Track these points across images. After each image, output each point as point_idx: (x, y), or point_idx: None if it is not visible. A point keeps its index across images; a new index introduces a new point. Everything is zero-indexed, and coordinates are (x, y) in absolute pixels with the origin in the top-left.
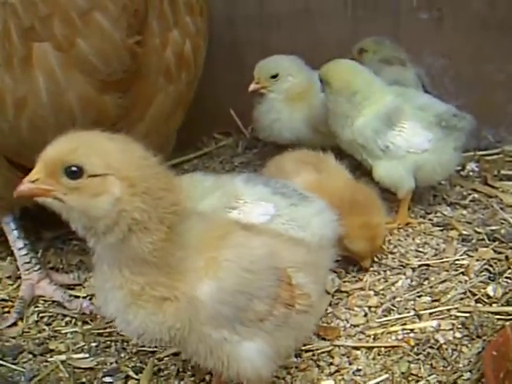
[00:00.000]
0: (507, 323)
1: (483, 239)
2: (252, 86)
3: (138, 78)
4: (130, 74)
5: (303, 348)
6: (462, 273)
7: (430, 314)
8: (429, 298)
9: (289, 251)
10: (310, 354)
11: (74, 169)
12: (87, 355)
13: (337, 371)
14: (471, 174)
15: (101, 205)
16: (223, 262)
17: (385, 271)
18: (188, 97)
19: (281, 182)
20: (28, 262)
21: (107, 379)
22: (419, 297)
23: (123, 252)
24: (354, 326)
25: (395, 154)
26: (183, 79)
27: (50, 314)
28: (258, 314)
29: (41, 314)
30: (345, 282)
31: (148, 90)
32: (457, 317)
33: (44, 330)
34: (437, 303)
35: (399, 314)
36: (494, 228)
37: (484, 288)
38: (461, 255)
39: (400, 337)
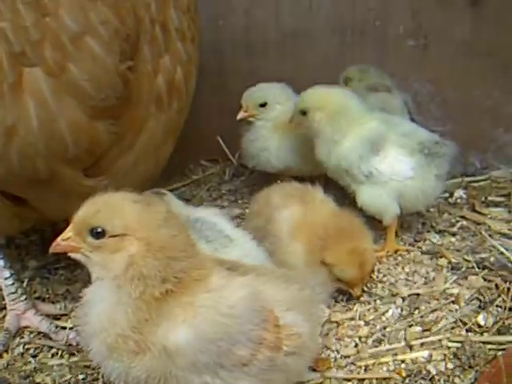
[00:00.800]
0: (499, 353)
1: (473, 267)
2: (240, 115)
3: (129, 105)
4: (122, 100)
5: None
6: (453, 302)
7: (421, 344)
8: (419, 328)
9: (278, 289)
10: None
11: (97, 230)
12: None
13: None
14: (459, 201)
15: (118, 259)
16: (200, 309)
17: (375, 300)
18: (179, 125)
19: (208, 223)
20: (14, 293)
21: None
22: (410, 326)
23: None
24: (345, 356)
25: (378, 179)
26: (174, 107)
27: (36, 346)
28: (241, 359)
29: (26, 346)
30: (334, 311)
31: (139, 117)
32: (448, 347)
33: (30, 362)
34: (428, 333)
35: (390, 344)
36: (483, 256)
37: (475, 317)
38: (451, 284)
39: (391, 368)
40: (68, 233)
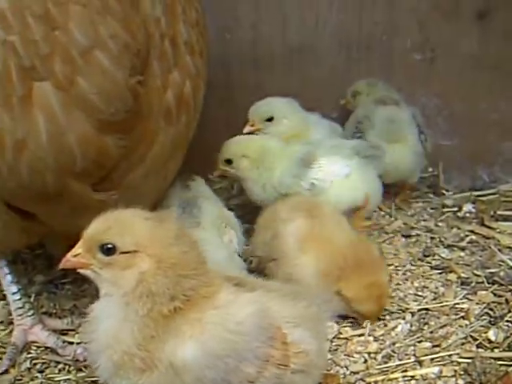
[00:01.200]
0: (510, 369)
1: (482, 282)
2: (246, 129)
3: (139, 119)
4: (132, 114)
5: None
6: (463, 317)
7: (431, 359)
8: (429, 344)
9: (285, 306)
10: None
11: (108, 246)
12: None
13: None
14: (468, 215)
15: (128, 276)
16: (207, 325)
17: (384, 316)
18: (187, 138)
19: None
20: (21, 308)
21: None
22: (419, 342)
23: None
24: (354, 373)
25: (322, 187)
26: (183, 121)
27: (43, 361)
28: (248, 376)
29: (34, 361)
30: (344, 327)
31: (149, 131)
32: (459, 363)
33: (37, 377)
34: (437, 349)
35: (399, 360)
36: (492, 271)
37: (485, 332)
38: (460, 299)
39: None
40: (78, 249)
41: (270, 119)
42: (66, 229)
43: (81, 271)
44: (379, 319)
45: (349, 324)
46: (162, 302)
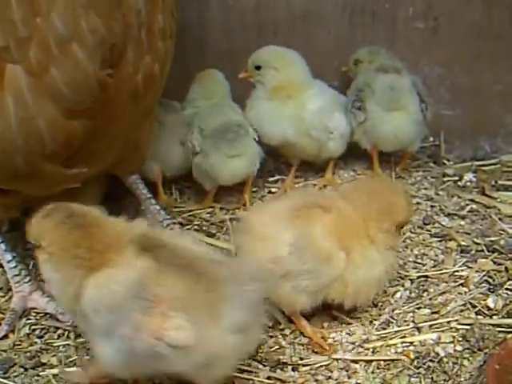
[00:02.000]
0: (509, 336)
1: (482, 250)
2: (241, 74)
3: (107, 105)
4: (99, 102)
5: (300, 362)
6: (462, 284)
7: (430, 326)
8: (428, 311)
9: (174, 283)
10: (308, 368)
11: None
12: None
13: None
14: (469, 184)
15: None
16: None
17: None
18: (153, 108)
19: None
20: (18, 275)
21: None
22: (418, 309)
23: None
24: (353, 339)
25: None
26: (149, 97)
27: (42, 327)
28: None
29: (33, 327)
30: None
31: (116, 111)
32: (457, 329)
33: (36, 342)
34: (436, 315)
35: (398, 326)
36: (492, 239)
37: (484, 300)
38: (460, 266)
39: (399, 350)
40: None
41: (258, 67)
42: (46, 201)
43: None
44: None
45: None
46: (69, 282)
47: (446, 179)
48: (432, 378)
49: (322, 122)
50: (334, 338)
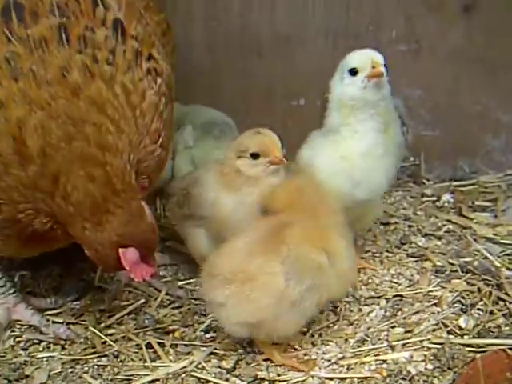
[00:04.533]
0: (478, 355)
1: (456, 271)
2: None
3: None
4: None
5: (277, 378)
6: (435, 304)
7: (403, 345)
8: (402, 329)
9: None
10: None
11: None
12: (64, 382)
13: None
14: (446, 204)
15: None
16: None
17: (359, 301)
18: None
19: None
20: (2, 286)
21: None
22: (392, 327)
23: None
24: (328, 356)
25: None
26: None
27: (27, 339)
28: None
29: (17, 339)
30: (321, 313)
31: None
32: (429, 348)
33: (20, 354)
34: (409, 334)
35: (373, 344)
36: (467, 260)
37: (456, 319)
38: (434, 286)
39: (373, 367)
40: None
41: None
42: None
43: None
44: (354, 304)
45: (325, 309)
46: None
47: (424, 199)
48: None
49: None
50: (310, 356)
